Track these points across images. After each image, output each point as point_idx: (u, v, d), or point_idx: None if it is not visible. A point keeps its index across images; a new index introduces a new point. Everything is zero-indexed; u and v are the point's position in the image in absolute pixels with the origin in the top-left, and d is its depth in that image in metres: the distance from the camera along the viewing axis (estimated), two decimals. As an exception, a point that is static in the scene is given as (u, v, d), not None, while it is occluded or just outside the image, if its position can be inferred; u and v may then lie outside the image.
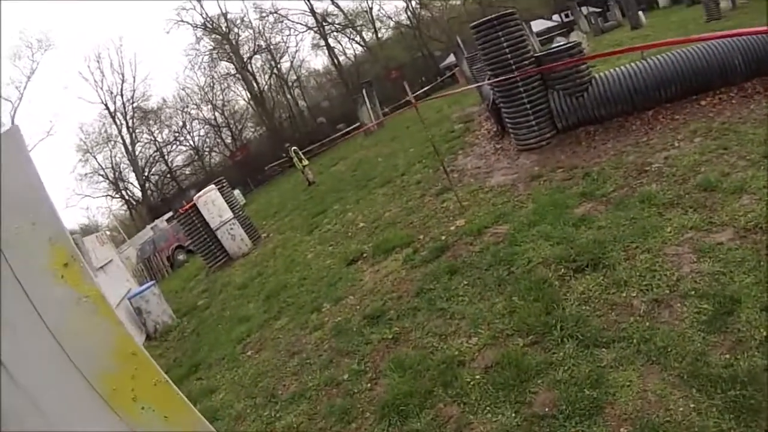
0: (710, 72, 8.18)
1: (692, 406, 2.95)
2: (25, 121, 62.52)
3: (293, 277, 9.25)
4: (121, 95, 53.84)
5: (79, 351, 2.27)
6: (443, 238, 7.25)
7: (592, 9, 45.88)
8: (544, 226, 6.02)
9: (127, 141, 53.66)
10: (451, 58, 46.22)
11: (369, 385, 4.69)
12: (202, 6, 57.52)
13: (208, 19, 57.17)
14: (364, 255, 8.33)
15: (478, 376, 3.99)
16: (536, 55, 9.75)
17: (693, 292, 3.77)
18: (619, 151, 7.54)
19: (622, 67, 8.91)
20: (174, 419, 2.36)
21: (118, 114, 53.55)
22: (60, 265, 2.26)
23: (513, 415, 3.49)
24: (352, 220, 11.21)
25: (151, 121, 56.39)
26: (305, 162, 22.81)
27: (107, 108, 53.06)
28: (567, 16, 49.33)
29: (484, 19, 9.78)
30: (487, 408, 3.66)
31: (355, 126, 36.89)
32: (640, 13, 29.89)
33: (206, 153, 59.67)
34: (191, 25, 56.94)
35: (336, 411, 4.52)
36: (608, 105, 8.81)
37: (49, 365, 2.28)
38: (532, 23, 42.17)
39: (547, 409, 3.39)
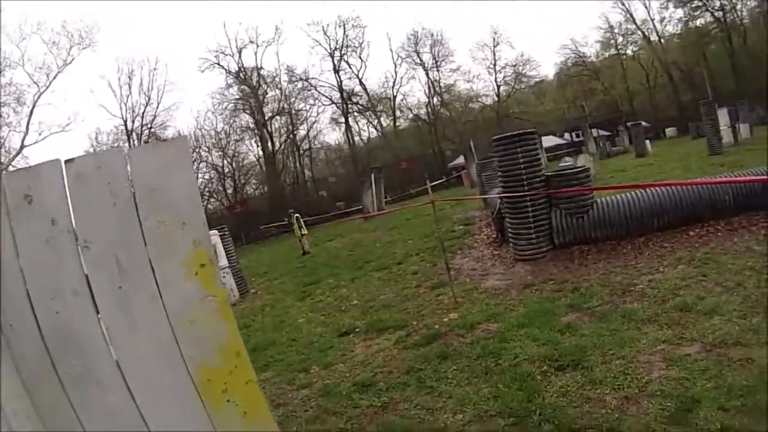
0: (701, 205, 8.98)
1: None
2: (44, 109, 62.72)
3: (282, 337, 9.46)
4: (142, 117, 54.47)
5: (188, 340, 2.51)
6: (436, 327, 7.63)
7: (602, 132, 47.65)
8: (532, 329, 6.45)
9: (135, 163, 53.87)
10: (461, 160, 47.42)
11: (355, 444, 4.95)
12: (240, 56, 59.05)
13: (243, 69, 59.01)
14: (357, 330, 8.61)
15: (461, 448, 4.35)
16: (548, 174, 10.51)
17: (659, 393, 4.23)
18: (609, 271, 8.15)
19: (622, 195, 9.69)
20: (251, 417, 2.61)
21: (134, 134, 53.99)
22: (197, 265, 2.52)
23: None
24: (345, 296, 11.55)
25: (159, 148, 56.91)
26: (304, 231, 23.14)
27: (125, 124, 53.64)
28: (578, 135, 50.94)
29: (506, 134, 10.65)
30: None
31: (357, 208, 37.41)
32: (647, 142, 31.23)
33: (205, 197, 59.91)
34: (225, 70, 58.80)
35: (319, 464, 4.76)
36: (605, 228, 9.53)
37: (153, 344, 2.52)
38: (543, 138, 43.65)
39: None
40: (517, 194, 10.07)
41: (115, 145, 53.12)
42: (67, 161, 2.55)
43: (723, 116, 24.19)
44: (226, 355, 2.59)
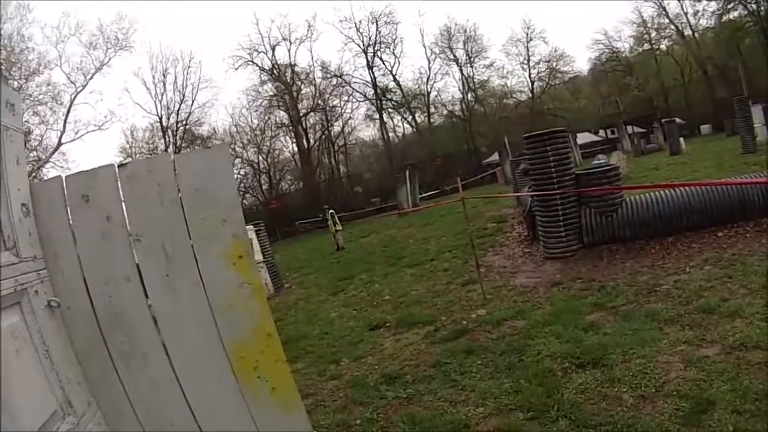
0: (731, 206, 8.89)
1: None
2: (81, 108, 63.60)
3: (314, 330, 9.69)
4: (177, 114, 54.87)
5: (226, 321, 2.89)
6: (464, 322, 7.78)
7: (637, 129, 47.08)
8: (556, 326, 6.56)
9: (170, 159, 54.39)
10: (495, 157, 47.25)
11: (380, 432, 5.14)
12: (274, 53, 59.23)
13: (277, 66, 59.20)
14: (387, 324, 8.80)
15: (480, 439, 4.49)
16: (577, 172, 10.57)
17: (675, 393, 4.31)
18: (635, 271, 8.21)
19: (652, 194, 9.66)
20: (279, 393, 2.90)
21: (169, 131, 54.49)
22: (236, 256, 2.91)
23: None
24: (378, 291, 11.77)
25: (197, 147, 56.83)
26: (339, 227, 23.43)
27: (160, 122, 54.08)
28: (613, 132, 50.38)
29: (536, 132, 10.73)
30: (486, 466, 4.16)
31: (391, 204, 37.52)
32: (681, 139, 30.74)
33: (241, 193, 60.30)
34: (259, 67, 58.95)
35: (345, 451, 4.96)
36: (634, 227, 9.53)
37: (195, 324, 2.86)
38: (578, 135, 43.20)
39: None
40: (547, 193, 10.14)
41: (151, 141, 54.18)
42: (120, 165, 2.91)
43: (757, 114, 23.45)
44: (259, 336, 2.91)
